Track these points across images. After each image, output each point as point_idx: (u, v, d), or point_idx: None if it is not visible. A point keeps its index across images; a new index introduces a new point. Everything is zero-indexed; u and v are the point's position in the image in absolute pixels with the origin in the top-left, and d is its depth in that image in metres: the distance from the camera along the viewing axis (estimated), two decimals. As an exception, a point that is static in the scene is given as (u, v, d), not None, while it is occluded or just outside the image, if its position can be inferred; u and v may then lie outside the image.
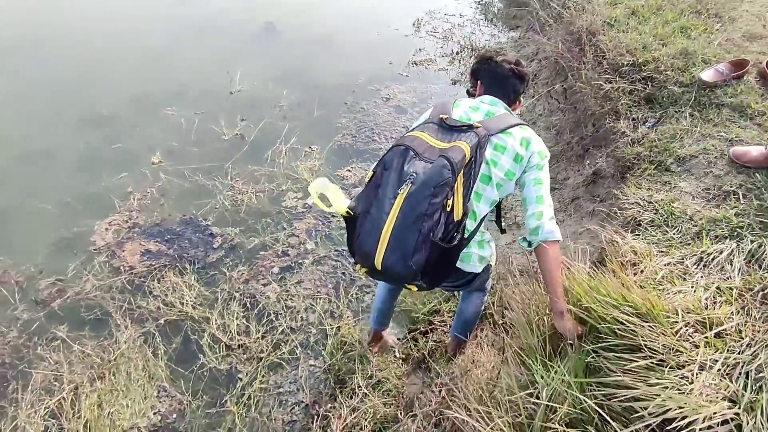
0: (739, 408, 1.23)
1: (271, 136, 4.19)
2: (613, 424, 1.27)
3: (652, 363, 1.35)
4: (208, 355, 2.57)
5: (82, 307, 2.79)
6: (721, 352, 1.38)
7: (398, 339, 2.65)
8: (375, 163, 1.61)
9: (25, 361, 2.52)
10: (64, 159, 3.88)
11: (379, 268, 1.47)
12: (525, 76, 1.81)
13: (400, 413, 2.13)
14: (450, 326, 2.54)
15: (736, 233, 1.93)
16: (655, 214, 2.16)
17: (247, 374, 2.49)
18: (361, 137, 4.25)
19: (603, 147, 2.93)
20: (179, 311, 2.75)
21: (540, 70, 4.57)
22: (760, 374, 1.32)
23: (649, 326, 1.41)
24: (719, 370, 1.33)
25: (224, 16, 6.38)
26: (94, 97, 4.59)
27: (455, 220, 1.47)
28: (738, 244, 1.86)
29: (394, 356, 2.52)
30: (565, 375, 1.45)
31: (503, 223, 1.91)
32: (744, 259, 1.78)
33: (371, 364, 2.44)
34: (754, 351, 1.39)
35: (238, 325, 2.69)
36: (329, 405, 2.34)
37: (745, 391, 1.28)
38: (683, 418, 1.19)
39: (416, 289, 1.64)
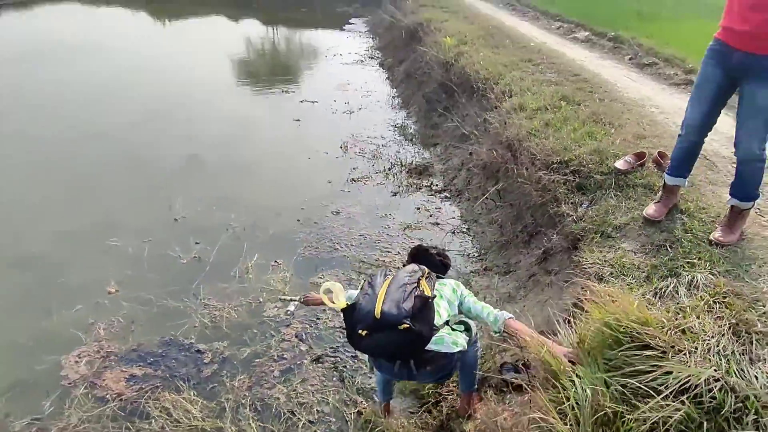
0: (722, 372, 1.82)
1: (231, 255, 4.47)
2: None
3: (659, 354, 1.91)
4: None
5: (70, 443, 2.70)
6: (698, 342, 1.98)
7: (411, 412, 2.90)
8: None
9: None
10: (4, 302, 3.81)
11: (378, 315, 2.02)
12: (448, 263, 2.74)
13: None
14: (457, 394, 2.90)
15: (673, 272, 2.64)
16: (612, 268, 2.83)
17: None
18: (323, 248, 4.68)
19: (551, 228, 3.69)
20: (188, 425, 2.76)
21: (471, 177, 5.53)
22: (726, 351, 1.94)
23: (648, 331, 1.99)
24: (702, 352, 1.93)
25: (147, 150, 6.84)
26: (19, 237, 4.61)
27: (426, 293, 2.16)
28: (677, 280, 2.57)
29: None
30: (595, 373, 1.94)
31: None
32: (685, 288, 2.48)
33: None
34: (717, 339, 2.01)
35: (255, 428, 2.78)
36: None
37: (721, 362, 1.88)
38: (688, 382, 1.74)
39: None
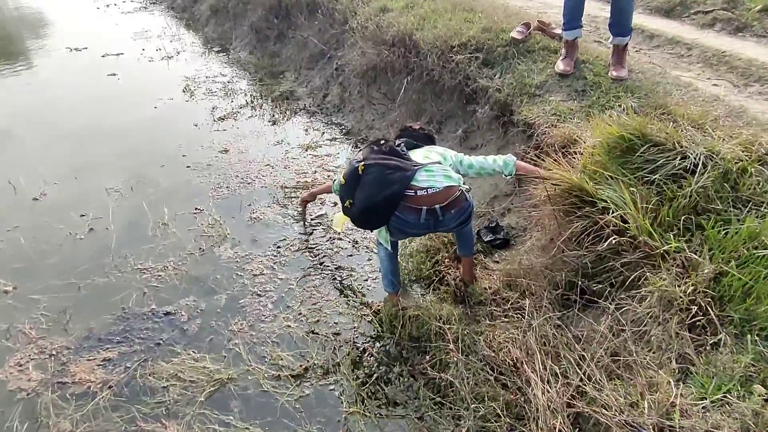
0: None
1: (134, 216, 3.74)
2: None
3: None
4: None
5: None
6: (674, 135, 2.40)
7: (422, 295, 2.93)
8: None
9: None
10: None
11: (361, 170, 2.36)
12: (432, 134, 2.91)
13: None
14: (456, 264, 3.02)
15: (607, 107, 3.03)
16: (555, 116, 3.14)
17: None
18: (235, 185, 4.14)
19: (471, 105, 3.90)
20: (211, 380, 2.41)
21: (349, 89, 5.41)
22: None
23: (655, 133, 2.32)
24: (677, 141, 2.34)
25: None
26: None
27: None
28: (614, 111, 2.98)
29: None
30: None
31: None
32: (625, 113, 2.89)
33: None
34: (678, 130, 2.44)
35: (287, 358, 2.54)
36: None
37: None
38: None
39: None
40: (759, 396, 1.49)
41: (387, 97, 4.92)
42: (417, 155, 2.53)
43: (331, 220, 3.59)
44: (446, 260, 3.12)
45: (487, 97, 3.69)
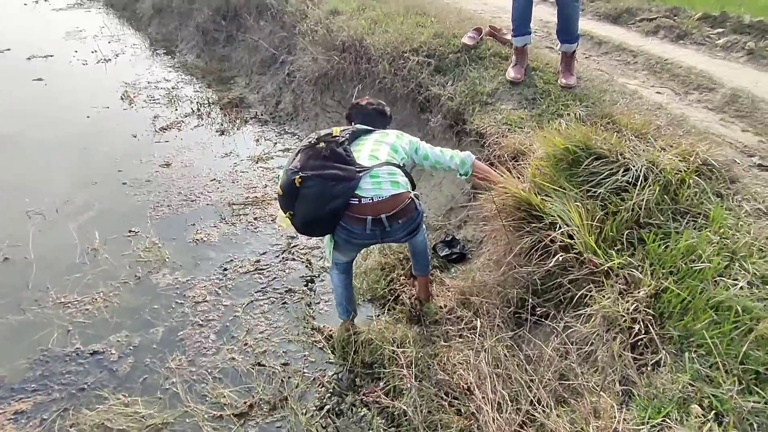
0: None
1: (58, 243, 3.62)
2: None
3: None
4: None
5: None
6: (619, 146, 2.50)
7: (376, 316, 2.95)
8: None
9: None
10: None
11: (298, 183, 2.23)
12: (385, 110, 2.80)
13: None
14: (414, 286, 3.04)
15: (557, 115, 3.14)
16: (506, 125, 3.23)
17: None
18: (177, 203, 4.09)
19: (423, 114, 3.95)
20: (144, 426, 2.33)
21: (302, 95, 5.41)
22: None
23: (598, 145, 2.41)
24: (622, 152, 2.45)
25: None
26: None
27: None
28: (563, 119, 3.08)
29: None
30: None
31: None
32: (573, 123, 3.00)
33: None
34: (623, 138, 2.56)
35: (229, 396, 2.50)
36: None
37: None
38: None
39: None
40: (695, 417, 1.57)
41: (341, 105, 4.94)
42: (364, 152, 2.42)
43: (275, 218, 3.58)
44: (402, 278, 3.15)
45: (439, 105, 3.76)
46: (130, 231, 3.75)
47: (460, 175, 2.66)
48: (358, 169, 2.28)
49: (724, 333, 1.72)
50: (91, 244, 3.60)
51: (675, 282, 1.90)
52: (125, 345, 2.83)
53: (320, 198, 2.24)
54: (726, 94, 3.27)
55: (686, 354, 1.74)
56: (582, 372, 1.94)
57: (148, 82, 6.73)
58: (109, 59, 7.64)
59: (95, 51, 7.86)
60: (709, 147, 2.42)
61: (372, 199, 2.25)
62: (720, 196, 2.27)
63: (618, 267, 2.05)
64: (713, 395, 1.60)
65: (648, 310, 1.88)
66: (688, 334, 1.78)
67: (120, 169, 4.60)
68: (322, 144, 2.32)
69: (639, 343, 1.86)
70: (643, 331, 1.86)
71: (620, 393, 1.80)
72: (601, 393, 1.80)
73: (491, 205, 2.66)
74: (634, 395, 1.76)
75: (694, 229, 2.10)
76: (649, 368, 1.80)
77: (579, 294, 2.18)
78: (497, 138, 3.12)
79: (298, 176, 2.23)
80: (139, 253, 3.53)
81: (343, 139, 2.37)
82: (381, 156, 2.41)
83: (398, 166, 2.42)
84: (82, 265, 3.41)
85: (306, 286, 3.27)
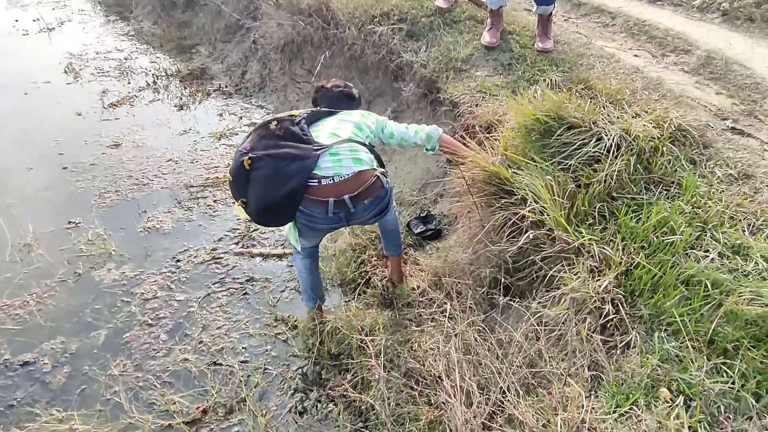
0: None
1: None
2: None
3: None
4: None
5: None
6: (594, 114, 2.50)
7: (346, 302, 2.96)
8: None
9: None
10: None
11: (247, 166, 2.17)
12: (352, 92, 2.76)
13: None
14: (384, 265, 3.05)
15: (533, 81, 3.14)
16: (481, 93, 3.21)
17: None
18: (127, 188, 4.01)
19: (396, 83, 3.92)
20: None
21: (268, 65, 5.33)
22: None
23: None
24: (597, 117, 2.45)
25: None
26: None
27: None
28: (539, 85, 3.07)
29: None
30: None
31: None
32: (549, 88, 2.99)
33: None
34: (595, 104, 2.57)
35: (180, 401, 2.49)
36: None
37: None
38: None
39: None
40: (664, 401, 1.59)
41: (312, 74, 4.88)
42: (324, 130, 2.36)
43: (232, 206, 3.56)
44: (374, 259, 3.15)
45: (412, 73, 3.72)
46: (70, 222, 3.66)
47: (427, 150, 2.67)
48: (315, 147, 2.22)
49: (694, 309, 1.74)
50: (23, 238, 3.49)
51: (646, 257, 1.92)
52: (60, 353, 2.77)
53: (273, 180, 2.16)
54: (701, 56, 3.34)
55: (656, 334, 1.77)
56: (551, 357, 1.97)
57: (97, 53, 6.56)
58: (53, 28, 7.45)
59: (37, 19, 7.64)
60: (684, 112, 2.44)
61: (333, 178, 2.18)
62: (693, 163, 2.30)
63: (589, 244, 2.07)
64: (681, 379, 1.63)
65: (618, 290, 1.90)
66: (658, 312, 1.81)
67: (61, 152, 4.49)
68: (275, 123, 2.26)
69: (609, 324, 1.88)
70: (613, 312, 1.88)
71: (589, 379, 1.82)
72: (570, 380, 1.82)
73: (460, 179, 2.66)
74: (602, 381, 1.78)
75: (667, 199, 2.12)
76: (618, 351, 1.83)
77: (551, 272, 2.19)
78: (470, 107, 3.10)
79: (246, 157, 2.15)
80: (80, 246, 3.45)
81: (300, 118, 2.32)
82: (343, 134, 2.35)
83: (363, 144, 2.37)
84: (12, 264, 3.30)
85: (268, 273, 3.25)
